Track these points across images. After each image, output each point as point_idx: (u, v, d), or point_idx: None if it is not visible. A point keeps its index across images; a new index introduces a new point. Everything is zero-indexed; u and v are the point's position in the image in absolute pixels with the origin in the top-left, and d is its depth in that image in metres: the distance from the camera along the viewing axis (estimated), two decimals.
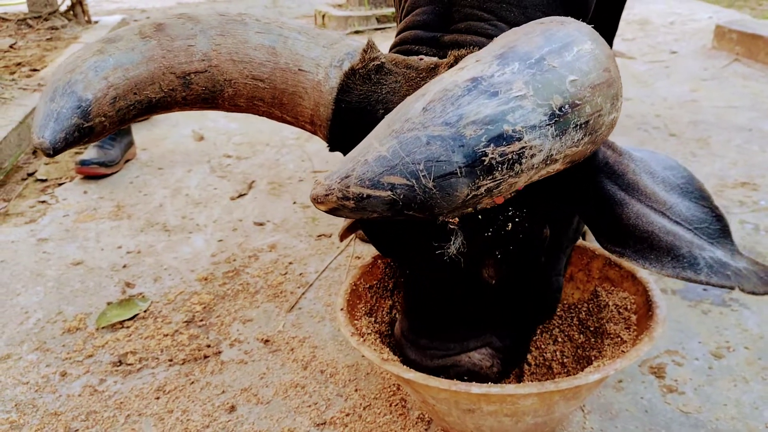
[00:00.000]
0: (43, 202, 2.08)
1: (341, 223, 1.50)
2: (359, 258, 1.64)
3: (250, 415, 1.14)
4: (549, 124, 0.61)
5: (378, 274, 1.17)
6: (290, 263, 1.64)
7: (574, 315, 1.15)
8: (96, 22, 4.64)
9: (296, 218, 1.89)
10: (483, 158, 0.59)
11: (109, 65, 0.78)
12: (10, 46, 3.85)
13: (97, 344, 1.36)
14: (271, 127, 2.57)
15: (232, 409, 1.16)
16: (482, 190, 0.61)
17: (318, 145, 2.37)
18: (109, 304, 1.51)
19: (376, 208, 0.60)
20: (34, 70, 3.32)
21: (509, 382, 1.04)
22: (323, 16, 4.85)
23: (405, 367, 0.91)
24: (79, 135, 0.75)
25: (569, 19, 0.69)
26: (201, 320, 1.43)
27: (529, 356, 1.10)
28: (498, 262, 0.89)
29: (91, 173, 2.19)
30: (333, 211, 0.62)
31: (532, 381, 1.07)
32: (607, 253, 1.13)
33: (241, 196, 2.06)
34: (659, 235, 0.77)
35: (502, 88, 0.61)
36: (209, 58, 0.83)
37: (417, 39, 0.93)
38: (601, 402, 1.12)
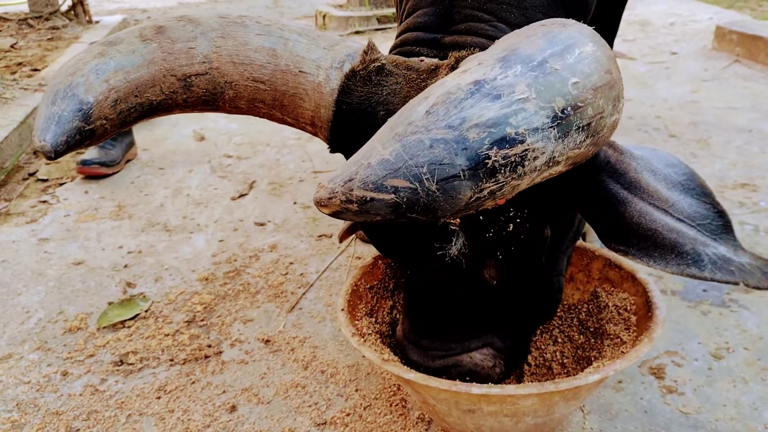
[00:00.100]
0: (44, 201, 2.08)
1: (342, 223, 1.51)
2: (360, 258, 1.64)
3: (251, 415, 1.15)
4: (551, 127, 0.62)
5: (379, 275, 1.17)
6: (291, 263, 1.65)
7: (574, 316, 1.15)
8: (97, 22, 4.64)
9: (297, 218, 1.89)
10: (486, 161, 0.59)
11: (110, 68, 0.78)
12: (11, 46, 3.86)
13: (98, 344, 1.36)
14: (271, 128, 2.57)
15: (233, 408, 1.17)
16: (485, 192, 0.61)
17: (319, 145, 2.37)
18: (110, 303, 1.51)
19: (379, 212, 0.61)
20: (35, 70, 3.32)
21: (509, 383, 1.04)
22: (324, 17, 4.85)
23: (405, 367, 0.92)
24: (80, 138, 0.76)
25: (571, 21, 0.69)
26: (202, 320, 1.44)
27: (529, 357, 1.10)
28: (499, 262, 0.89)
29: (92, 173, 2.20)
30: (336, 214, 0.63)
31: (532, 381, 1.07)
32: (607, 254, 1.13)
33: (241, 196, 2.07)
34: (662, 233, 0.78)
35: (505, 91, 0.61)
36: (210, 60, 0.84)
37: (417, 40, 0.93)
38: (601, 402, 1.12)
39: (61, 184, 2.21)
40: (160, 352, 1.33)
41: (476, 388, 0.84)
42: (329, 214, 0.63)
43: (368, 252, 1.64)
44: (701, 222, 0.79)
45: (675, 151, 2.19)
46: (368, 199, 0.60)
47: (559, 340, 1.13)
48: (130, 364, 1.30)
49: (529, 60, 0.63)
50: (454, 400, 0.88)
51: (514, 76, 0.62)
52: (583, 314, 1.14)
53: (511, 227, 0.84)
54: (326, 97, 0.85)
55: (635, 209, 0.79)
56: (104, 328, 1.43)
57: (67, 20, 4.45)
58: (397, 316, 1.15)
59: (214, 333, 1.39)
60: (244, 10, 5.75)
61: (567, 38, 0.65)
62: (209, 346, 1.34)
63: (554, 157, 0.64)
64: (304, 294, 1.51)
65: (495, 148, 0.60)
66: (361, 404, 1.14)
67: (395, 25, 4.43)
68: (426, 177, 0.59)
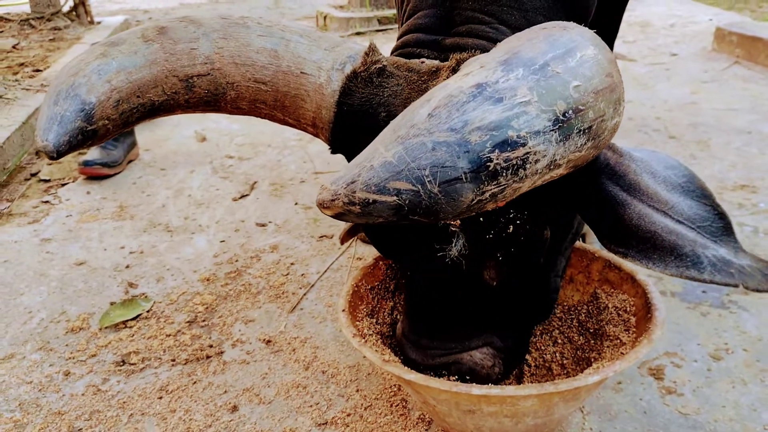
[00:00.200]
0: (46, 202, 2.09)
1: (343, 225, 1.51)
2: (361, 259, 1.64)
3: (252, 415, 1.15)
4: (553, 130, 0.62)
5: (379, 276, 1.18)
6: (292, 264, 1.65)
7: (573, 317, 1.16)
8: (99, 23, 4.66)
9: (298, 219, 1.90)
10: (488, 164, 0.60)
11: (112, 68, 0.79)
12: (13, 47, 3.87)
13: (100, 344, 1.37)
14: (273, 129, 2.58)
15: (235, 408, 1.17)
16: (487, 195, 0.61)
17: (320, 146, 2.38)
18: (112, 304, 1.52)
19: (381, 213, 0.61)
20: (37, 70, 3.33)
21: (509, 384, 1.04)
22: (325, 18, 4.86)
23: (406, 368, 0.92)
24: (82, 138, 0.76)
25: (572, 24, 0.69)
26: (203, 320, 1.44)
27: (529, 357, 1.10)
28: (499, 263, 0.90)
29: (94, 174, 2.20)
30: (339, 216, 0.63)
31: (532, 382, 1.08)
32: (606, 256, 1.14)
33: (243, 197, 2.07)
34: (662, 235, 0.78)
35: (507, 94, 0.61)
36: (212, 61, 0.84)
37: (418, 42, 0.93)
38: (601, 403, 1.13)
39: (63, 185, 2.22)
40: (161, 352, 1.33)
41: (476, 389, 0.84)
42: (332, 216, 0.63)
43: (369, 253, 1.65)
44: (701, 224, 0.80)
45: (674, 153, 2.20)
46: (371, 201, 0.60)
47: (559, 341, 1.13)
48: (132, 364, 1.30)
49: (531, 63, 0.63)
50: (454, 401, 0.88)
51: (516, 79, 0.62)
52: (583, 315, 1.14)
53: (511, 229, 0.85)
54: (327, 99, 0.86)
55: (635, 211, 0.80)
56: (106, 328, 1.43)
57: (68, 21, 4.46)
58: (398, 316, 1.15)
59: (216, 333, 1.40)
60: (245, 11, 5.76)
61: (568, 41, 0.66)
62: (211, 346, 1.35)
63: (555, 160, 0.64)
64: (305, 294, 1.52)
65: (497, 151, 0.60)
66: (361, 404, 1.15)
67: (396, 26, 4.43)
68: (428, 179, 0.59)
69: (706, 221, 0.80)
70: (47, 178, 2.27)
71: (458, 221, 0.84)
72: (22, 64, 3.44)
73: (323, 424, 1.12)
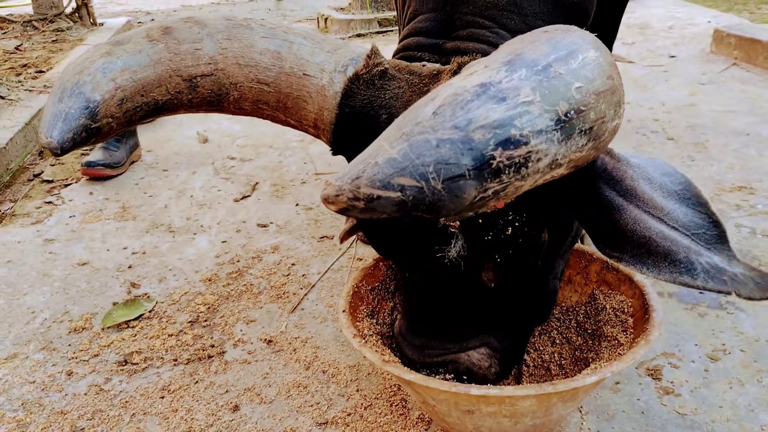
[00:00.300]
0: (49, 203, 2.10)
1: (342, 225, 1.52)
2: (361, 260, 1.65)
3: (254, 415, 1.16)
4: (555, 130, 0.63)
5: (380, 276, 1.19)
6: (293, 264, 1.66)
7: (572, 317, 1.17)
8: (101, 24, 4.67)
9: (299, 220, 1.91)
10: (491, 161, 0.60)
11: (117, 67, 0.80)
12: (16, 48, 3.88)
13: (102, 344, 1.38)
14: (274, 130, 2.59)
15: (236, 408, 1.18)
16: (489, 192, 0.62)
17: (321, 147, 2.39)
18: (114, 304, 1.53)
19: (385, 209, 0.61)
20: (40, 71, 3.34)
21: (508, 384, 1.05)
22: (326, 20, 4.88)
23: (406, 368, 0.93)
24: (86, 135, 0.77)
25: (573, 27, 0.70)
26: (205, 320, 1.45)
27: (527, 358, 1.11)
28: (497, 265, 0.91)
29: (96, 174, 2.22)
30: (343, 211, 0.63)
31: (530, 383, 1.09)
32: (604, 257, 1.14)
33: (244, 197, 2.08)
34: (657, 241, 0.79)
35: (510, 93, 0.62)
36: (215, 61, 0.85)
37: (419, 46, 0.95)
38: (599, 403, 1.14)
39: (66, 185, 2.23)
40: (163, 352, 1.34)
41: (475, 389, 0.85)
42: (336, 212, 0.64)
43: (369, 253, 1.66)
44: (696, 231, 0.80)
45: (673, 154, 2.21)
46: (375, 196, 0.61)
47: (558, 341, 1.14)
48: (135, 363, 1.31)
49: (534, 64, 0.64)
50: (453, 401, 0.89)
51: (519, 79, 0.63)
52: (581, 316, 1.15)
53: (510, 231, 0.86)
54: (329, 100, 0.87)
55: (630, 216, 0.80)
56: (109, 328, 1.44)
57: (71, 22, 4.48)
58: (398, 317, 1.16)
59: (217, 333, 1.41)
60: (246, 13, 5.77)
61: (570, 44, 0.67)
62: (212, 346, 1.36)
63: (557, 159, 0.65)
64: (305, 295, 1.53)
65: (500, 149, 0.60)
66: (362, 404, 1.16)
67: (396, 28, 4.45)
68: (432, 176, 0.60)
69: (700, 228, 0.81)
70: (50, 178, 2.28)
71: (457, 222, 0.85)
72: (25, 66, 3.45)
73: (324, 423, 1.13)
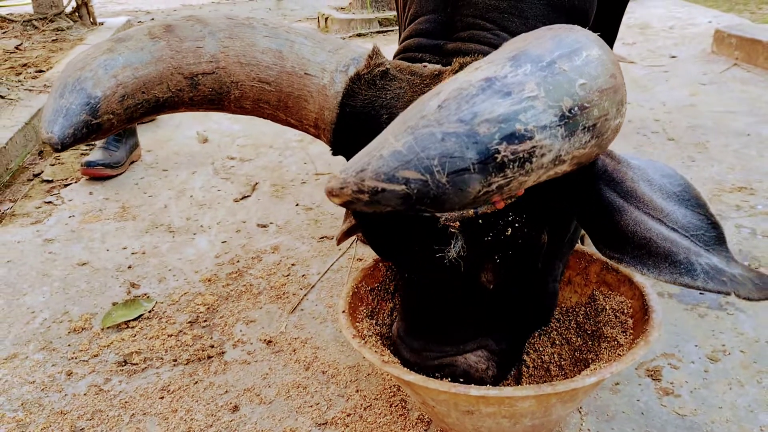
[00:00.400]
0: (48, 202, 2.10)
1: (340, 226, 1.52)
2: (361, 260, 1.65)
3: (253, 415, 1.16)
4: (559, 125, 0.63)
5: (379, 277, 1.19)
6: (293, 265, 1.66)
7: (571, 318, 1.17)
8: (101, 24, 4.67)
9: (299, 220, 1.91)
10: (495, 155, 0.60)
11: (118, 64, 0.80)
12: (16, 47, 3.88)
13: (102, 344, 1.38)
14: (274, 130, 2.59)
15: (235, 408, 1.18)
16: (493, 187, 0.62)
17: (321, 147, 2.39)
18: (114, 304, 1.53)
19: (389, 202, 0.61)
20: (40, 71, 3.34)
21: (507, 384, 1.05)
22: (326, 19, 4.88)
23: (405, 369, 0.93)
24: (87, 131, 0.77)
25: (577, 26, 0.70)
26: (205, 321, 1.45)
27: (527, 358, 1.11)
28: (496, 266, 0.91)
29: (96, 174, 2.22)
30: (347, 204, 0.63)
31: (530, 383, 1.09)
32: (604, 258, 1.14)
33: (244, 197, 2.08)
34: (657, 242, 0.79)
35: (515, 88, 0.62)
36: (217, 60, 0.85)
37: (420, 47, 0.95)
38: (598, 404, 1.14)
39: (66, 185, 2.23)
40: (163, 353, 1.34)
41: (474, 390, 0.85)
42: (340, 204, 0.63)
43: (369, 254, 1.66)
44: (695, 232, 0.81)
45: (673, 155, 2.21)
46: (379, 189, 0.60)
47: (557, 342, 1.14)
48: (134, 364, 1.31)
49: (539, 60, 0.64)
50: (452, 402, 0.89)
51: (524, 74, 0.63)
52: (581, 317, 1.15)
53: (510, 232, 0.86)
54: (330, 100, 0.87)
55: (630, 217, 0.81)
56: (108, 328, 1.44)
57: (71, 22, 4.48)
58: (396, 320, 1.16)
59: (217, 333, 1.41)
60: (246, 12, 5.77)
61: (574, 41, 0.67)
62: (212, 346, 1.36)
63: (560, 155, 0.65)
64: (305, 295, 1.53)
65: (504, 143, 0.60)
66: (361, 405, 1.16)
67: (397, 27, 4.45)
68: (437, 169, 0.59)
69: (699, 230, 0.81)
70: (50, 178, 2.28)
71: (458, 223, 0.85)
72: (25, 65, 3.45)
73: (323, 424, 1.13)
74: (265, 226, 1.89)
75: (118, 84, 0.79)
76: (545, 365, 1.11)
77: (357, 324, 1.06)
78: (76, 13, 4.53)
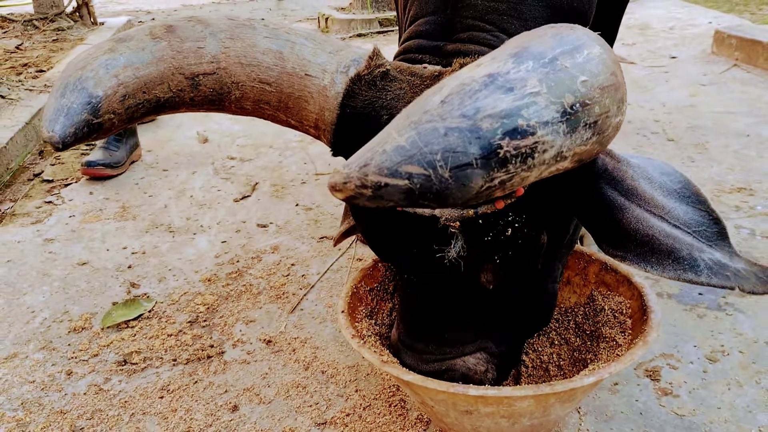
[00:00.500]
0: (49, 202, 2.11)
1: (338, 227, 1.52)
2: (360, 260, 1.66)
3: (253, 415, 1.16)
4: (561, 121, 0.63)
5: (378, 277, 1.19)
6: (292, 265, 1.67)
7: (570, 318, 1.17)
8: (102, 24, 4.68)
9: (299, 220, 1.91)
10: (498, 151, 0.60)
11: (119, 64, 0.80)
12: (17, 47, 3.88)
13: (102, 344, 1.38)
14: (274, 130, 2.59)
15: (235, 408, 1.18)
16: (496, 182, 0.62)
17: (321, 148, 2.39)
18: (114, 304, 1.53)
19: (392, 197, 0.61)
20: (41, 71, 3.35)
21: (506, 384, 1.06)
22: (326, 19, 4.88)
23: (404, 369, 0.93)
24: (88, 131, 0.77)
25: (578, 25, 0.71)
26: (204, 320, 1.45)
27: (526, 358, 1.12)
28: (496, 267, 0.91)
29: (96, 174, 2.22)
30: (350, 199, 0.63)
31: (528, 383, 1.09)
32: (603, 258, 1.15)
33: (244, 197, 2.09)
34: (659, 239, 0.79)
35: (518, 84, 0.62)
36: (218, 60, 0.85)
37: (420, 48, 0.95)
38: (597, 404, 1.14)
39: (66, 185, 2.23)
40: (163, 352, 1.34)
41: (473, 390, 0.85)
42: (343, 200, 0.63)
43: (369, 254, 1.66)
44: (697, 228, 0.81)
45: (673, 155, 2.21)
46: (382, 184, 0.60)
47: (556, 342, 1.14)
48: (134, 363, 1.32)
49: (541, 57, 0.64)
50: (451, 401, 0.89)
51: (527, 71, 0.63)
52: (580, 317, 1.16)
53: (509, 232, 0.86)
54: (331, 101, 0.87)
55: (632, 215, 0.81)
56: (108, 328, 1.45)
57: (72, 22, 4.48)
58: (395, 323, 1.16)
59: (217, 333, 1.41)
60: (247, 13, 5.78)
61: (575, 39, 0.67)
62: (212, 346, 1.36)
63: (562, 151, 0.65)
64: (305, 295, 1.53)
65: (507, 138, 0.61)
66: (360, 404, 1.16)
67: (397, 28, 4.45)
68: (440, 164, 0.60)
69: (701, 226, 0.81)
70: (50, 178, 2.29)
71: (457, 223, 0.85)
72: (25, 65, 3.45)
73: (322, 423, 1.13)
74: (265, 226, 1.89)
75: (120, 84, 0.80)
76: (544, 365, 1.12)
77: (356, 324, 1.06)
78: (77, 13, 4.54)
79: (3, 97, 2.70)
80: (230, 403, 1.19)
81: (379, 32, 4.67)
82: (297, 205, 2.02)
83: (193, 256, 1.74)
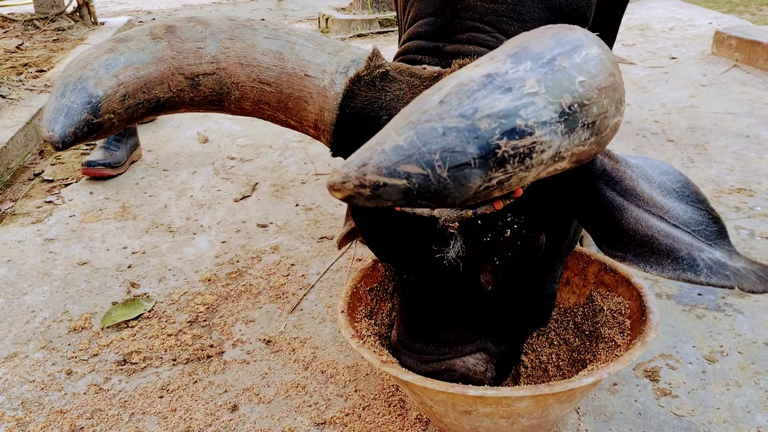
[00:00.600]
0: (49, 202, 2.11)
1: (341, 229, 1.52)
2: (360, 260, 1.66)
3: (252, 414, 1.17)
4: (559, 122, 0.63)
5: (378, 277, 1.19)
6: (292, 265, 1.67)
7: (569, 319, 1.17)
8: (102, 24, 4.68)
9: (299, 220, 1.91)
10: (496, 151, 0.61)
11: (120, 64, 0.80)
12: (17, 47, 3.89)
13: (102, 343, 1.38)
14: (274, 130, 2.60)
15: (235, 408, 1.19)
16: (494, 182, 0.62)
17: (321, 148, 2.39)
18: (114, 303, 1.53)
19: (391, 197, 0.61)
20: (41, 71, 3.35)
21: (505, 385, 1.06)
22: (327, 20, 4.88)
23: (403, 369, 0.93)
24: (88, 130, 0.77)
25: (576, 26, 0.71)
26: (204, 320, 1.46)
27: (525, 359, 1.12)
28: (495, 267, 0.91)
29: (97, 174, 2.22)
30: (349, 199, 0.63)
31: (527, 383, 1.09)
32: (602, 259, 1.15)
33: (244, 198, 2.09)
34: (658, 239, 0.79)
35: (516, 84, 0.63)
36: (218, 60, 0.86)
37: (420, 49, 0.95)
38: (596, 404, 1.14)
39: (67, 185, 2.23)
40: (163, 352, 1.35)
41: (472, 390, 0.85)
42: (341, 199, 0.63)
43: (368, 254, 1.66)
44: (696, 228, 0.81)
45: (672, 156, 2.21)
46: (381, 184, 0.61)
47: (555, 342, 1.14)
48: (134, 363, 1.32)
49: (539, 57, 0.65)
50: (450, 402, 0.89)
51: (525, 71, 0.63)
52: (579, 317, 1.16)
53: (508, 233, 0.86)
54: (330, 101, 0.87)
55: (632, 216, 0.81)
56: (108, 327, 1.45)
57: (72, 21, 4.49)
58: (395, 325, 1.16)
59: (216, 333, 1.41)
60: (247, 13, 5.78)
61: (574, 40, 0.67)
62: (211, 346, 1.36)
63: (560, 152, 0.65)
64: (305, 295, 1.53)
65: (505, 138, 0.61)
66: (360, 404, 1.16)
67: (397, 28, 4.45)
68: (438, 164, 0.60)
69: (700, 225, 0.81)
70: (50, 178, 2.29)
71: (457, 223, 0.85)
72: (25, 65, 3.46)
73: (322, 423, 1.13)
74: (264, 226, 1.89)
75: (120, 83, 0.80)
76: (543, 365, 1.12)
77: (356, 324, 1.07)
78: (77, 13, 4.54)
79: (3, 96, 2.70)
80: (230, 402, 1.20)
81: (379, 32, 4.68)
82: (297, 205, 2.02)
83: (193, 256, 1.74)
